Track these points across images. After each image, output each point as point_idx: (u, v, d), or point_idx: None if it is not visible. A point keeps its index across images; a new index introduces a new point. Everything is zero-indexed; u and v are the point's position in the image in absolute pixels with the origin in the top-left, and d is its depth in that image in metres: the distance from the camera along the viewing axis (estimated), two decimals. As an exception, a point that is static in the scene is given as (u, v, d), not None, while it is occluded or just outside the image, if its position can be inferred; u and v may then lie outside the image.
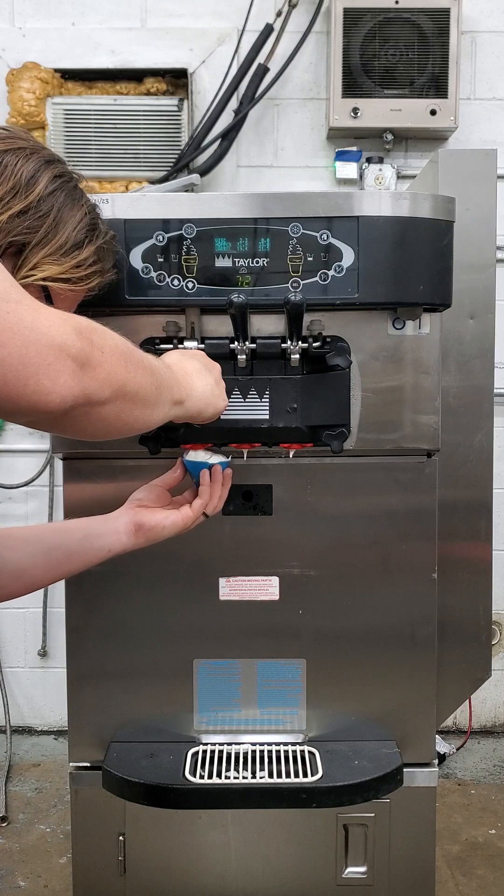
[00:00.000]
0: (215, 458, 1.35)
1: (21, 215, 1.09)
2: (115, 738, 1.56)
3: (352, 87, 2.82)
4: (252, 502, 1.52)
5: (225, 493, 1.35)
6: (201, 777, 1.45)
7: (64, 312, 0.87)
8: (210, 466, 1.33)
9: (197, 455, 1.35)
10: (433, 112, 2.82)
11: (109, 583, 1.53)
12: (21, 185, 1.09)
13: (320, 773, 1.45)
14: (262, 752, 1.53)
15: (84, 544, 1.24)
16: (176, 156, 2.93)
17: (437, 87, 2.82)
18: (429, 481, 1.52)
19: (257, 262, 1.37)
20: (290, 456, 1.46)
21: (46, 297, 1.12)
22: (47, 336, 0.82)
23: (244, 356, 1.38)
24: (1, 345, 0.78)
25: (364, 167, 2.92)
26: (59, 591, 1.69)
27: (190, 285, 1.37)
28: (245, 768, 1.48)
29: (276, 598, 1.54)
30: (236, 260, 1.37)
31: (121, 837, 1.58)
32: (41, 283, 1.10)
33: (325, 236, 1.36)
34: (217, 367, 1.28)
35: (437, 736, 1.64)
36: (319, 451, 1.46)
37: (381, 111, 2.83)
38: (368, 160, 2.91)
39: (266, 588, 1.54)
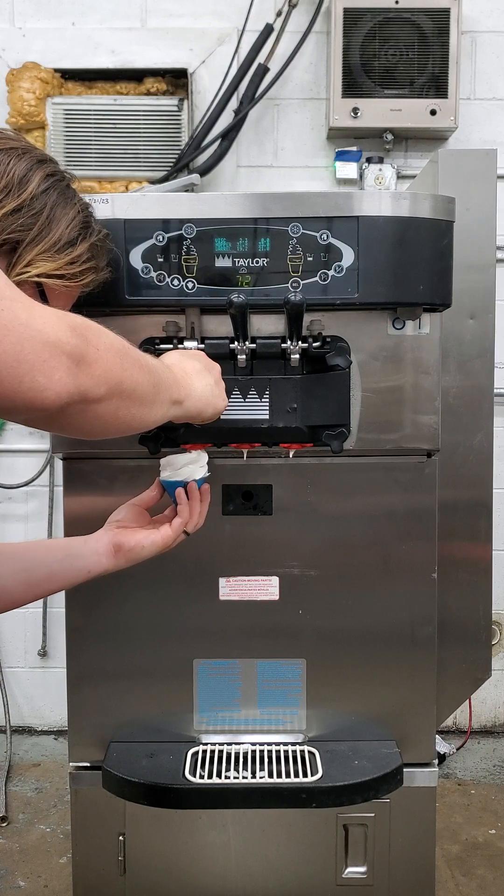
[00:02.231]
0: (198, 473, 1.30)
1: (14, 213, 1.10)
2: (115, 738, 1.56)
3: (352, 87, 2.81)
4: (252, 502, 1.52)
5: (204, 508, 1.30)
6: (201, 777, 1.45)
7: (59, 310, 0.87)
8: (186, 484, 1.28)
9: (175, 470, 1.29)
10: (433, 112, 2.81)
11: (109, 583, 1.52)
12: (14, 183, 1.10)
13: (320, 773, 1.45)
14: (262, 752, 1.53)
15: (64, 564, 1.23)
16: (176, 156, 2.93)
17: (437, 87, 2.81)
18: (429, 481, 1.52)
19: (257, 262, 1.37)
20: (290, 456, 1.46)
21: (41, 294, 1.12)
22: (42, 333, 0.81)
23: (244, 356, 1.38)
24: None
25: (364, 167, 2.91)
26: (59, 591, 1.69)
27: (190, 285, 1.37)
28: (245, 768, 1.48)
29: (276, 598, 1.54)
30: (236, 260, 1.37)
31: (121, 837, 1.58)
32: (36, 279, 1.11)
33: (325, 236, 1.36)
34: (217, 367, 1.28)
35: (437, 736, 1.64)
36: (319, 451, 1.46)
37: (381, 111, 2.82)
38: (368, 160, 2.91)
39: (266, 588, 1.54)
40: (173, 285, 1.37)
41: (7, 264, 1.09)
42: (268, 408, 1.40)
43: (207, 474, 1.31)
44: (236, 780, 1.45)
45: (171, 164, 2.92)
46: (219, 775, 1.46)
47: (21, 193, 1.10)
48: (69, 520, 1.54)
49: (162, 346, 1.40)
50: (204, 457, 1.32)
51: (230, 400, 1.33)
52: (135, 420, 1.01)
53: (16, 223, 1.09)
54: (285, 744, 1.55)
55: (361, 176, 2.93)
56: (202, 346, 1.39)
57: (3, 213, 1.09)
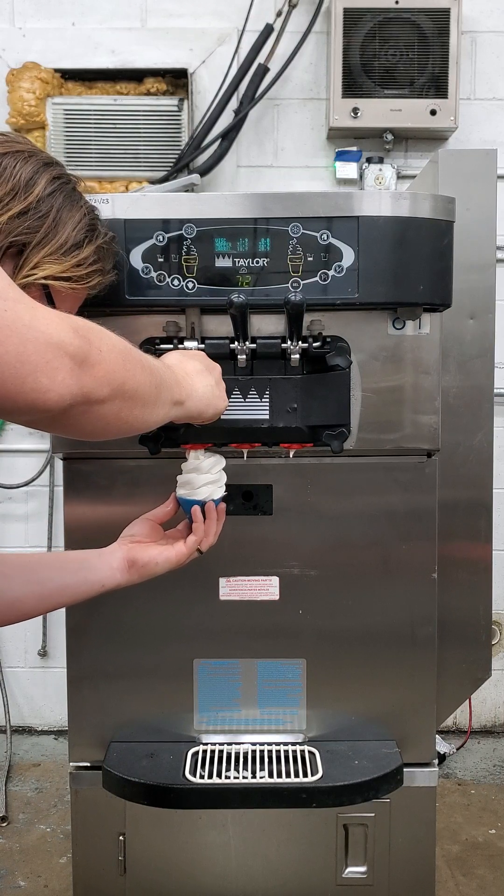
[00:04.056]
0: (217, 493, 1.29)
1: (21, 216, 1.10)
2: (116, 738, 1.56)
3: (352, 87, 2.81)
4: (252, 502, 1.52)
5: (219, 527, 1.31)
6: (201, 777, 1.45)
7: (61, 312, 0.87)
8: (203, 503, 1.28)
9: (194, 489, 1.28)
10: (433, 112, 2.82)
11: (109, 583, 1.53)
12: (20, 186, 1.11)
13: (320, 773, 1.46)
14: (262, 752, 1.53)
15: (78, 577, 1.22)
16: (176, 156, 2.93)
17: (437, 87, 2.81)
18: (429, 481, 1.52)
19: (257, 262, 1.37)
20: (290, 456, 1.46)
21: (48, 296, 1.12)
22: (45, 334, 0.81)
23: (244, 356, 1.38)
24: None
25: (364, 167, 2.92)
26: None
27: (190, 285, 1.38)
28: (245, 768, 1.48)
29: (276, 598, 1.54)
30: (236, 260, 1.37)
31: (121, 837, 1.58)
32: (42, 281, 1.11)
33: (325, 236, 1.36)
34: (217, 367, 1.28)
35: (437, 736, 1.64)
36: (319, 451, 1.46)
37: (381, 111, 2.82)
38: (368, 160, 2.91)
39: (266, 588, 1.54)
40: (173, 285, 1.38)
41: (14, 267, 1.10)
42: (268, 408, 1.40)
43: (225, 493, 1.31)
44: (236, 780, 1.45)
45: (171, 164, 2.93)
46: (219, 775, 1.46)
47: (27, 196, 1.11)
48: (69, 520, 1.54)
49: (162, 346, 1.40)
50: (223, 477, 1.31)
51: (230, 400, 1.33)
52: (137, 421, 1.01)
53: (22, 226, 1.10)
54: (285, 744, 1.55)
55: (361, 176, 2.93)
56: (202, 346, 1.39)
57: (9, 216, 1.09)
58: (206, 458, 1.32)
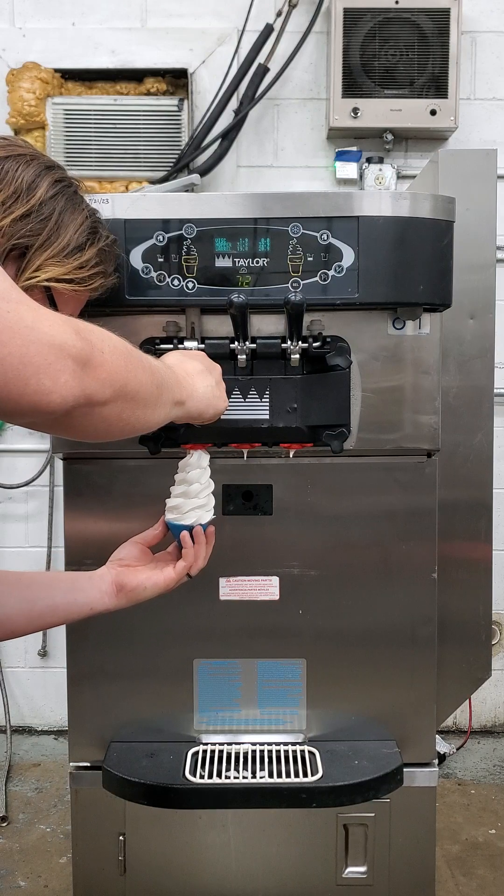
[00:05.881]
0: (205, 518, 1.27)
1: (23, 219, 1.10)
2: (116, 738, 1.56)
3: (352, 87, 2.81)
4: (252, 502, 1.52)
5: (209, 551, 1.29)
6: (201, 777, 1.45)
7: (63, 315, 0.88)
8: (191, 528, 1.26)
9: (182, 514, 1.26)
10: (433, 112, 2.81)
11: (109, 583, 1.53)
12: (22, 189, 1.11)
13: (320, 773, 1.46)
14: (262, 751, 1.53)
15: (68, 598, 1.22)
16: (176, 156, 2.93)
17: (437, 87, 2.81)
18: (429, 481, 1.53)
19: (257, 262, 1.37)
20: (290, 456, 1.46)
21: (50, 299, 1.13)
22: (48, 336, 0.82)
23: (244, 356, 1.38)
24: (1, 344, 0.77)
25: (364, 167, 2.91)
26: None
27: (190, 285, 1.38)
28: (245, 768, 1.48)
29: (276, 598, 1.54)
30: (236, 260, 1.37)
31: (121, 837, 1.58)
32: (45, 284, 1.11)
33: (325, 236, 1.36)
34: (218, 368, 1.28)
35: (437, 736, 1.64)
36: (319, 451, 1.46)
37: (381, 111, 2.82)
38: (368, 160, 2.91)
39: (266, 588, 1.54)
40: (173, 285, 1.38)
41: (16, 269, 1.10)
42: (268, 408, 1.40)
43: (213, 517, 1.30)
44: (236, 780, 1.45)
45: (171, 164, 2.92)
46: (219, 775, 1.46)
47: (30, 199, 1.11)
48: (69, 520, 1.54)
49: (162, 346, 1.40)
50: (211, 500, 1.30)
51: (230, 400, 1.33)
52: (138, 422, 1.01)
53: (25, 228, 1.10)
54: (285, 744, 1.56)
55: (361, 176, 2.93)
56: (202, 346, 1.39)
57: (12, 219, 1.09)
58: (195, 479, 1.28)
